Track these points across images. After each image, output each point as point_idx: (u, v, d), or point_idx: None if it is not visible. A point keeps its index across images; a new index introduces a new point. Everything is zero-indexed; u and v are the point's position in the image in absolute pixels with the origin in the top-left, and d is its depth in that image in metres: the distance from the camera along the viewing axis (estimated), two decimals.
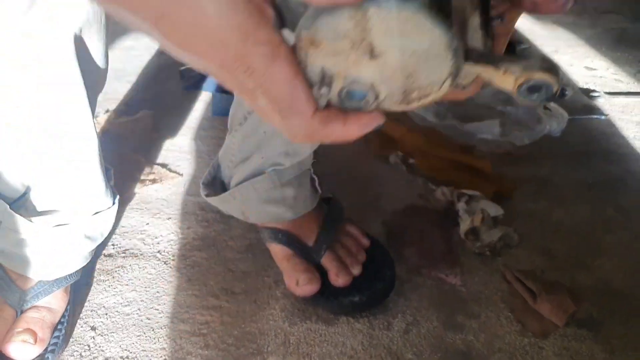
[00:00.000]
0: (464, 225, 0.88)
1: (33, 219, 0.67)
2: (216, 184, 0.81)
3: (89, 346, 0.70)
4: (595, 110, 1.31)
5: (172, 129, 1.18)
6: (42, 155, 0.64)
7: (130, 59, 1.47)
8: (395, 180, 1.03)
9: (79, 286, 0.76)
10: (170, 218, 0.91)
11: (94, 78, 0.65)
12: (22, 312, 0.68)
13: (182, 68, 1.39)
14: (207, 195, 0.80)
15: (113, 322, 0.73)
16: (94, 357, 0.69)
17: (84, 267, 0.75)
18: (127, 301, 0.76)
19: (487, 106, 1.25)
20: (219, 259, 0.83)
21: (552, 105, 1.22)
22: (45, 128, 0.62)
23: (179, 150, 1.10)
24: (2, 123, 0.61)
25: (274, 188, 0.76)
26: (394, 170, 1.06)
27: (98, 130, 0.86)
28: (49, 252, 0.70)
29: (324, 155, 1.09)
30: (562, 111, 1.21)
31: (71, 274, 0.72)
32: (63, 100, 0.62)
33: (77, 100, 0.63)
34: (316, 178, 0.82)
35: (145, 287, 0.78)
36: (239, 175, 0.77)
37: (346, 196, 0.97)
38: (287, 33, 0.31)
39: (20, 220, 0.66)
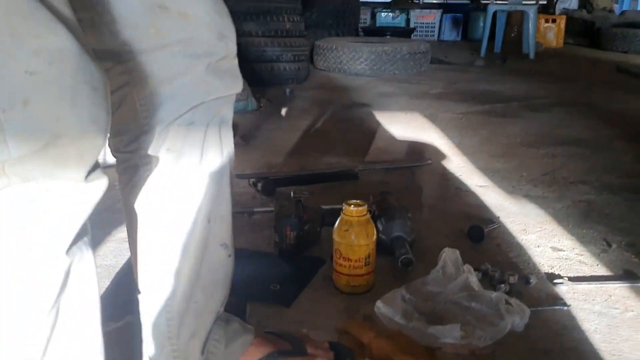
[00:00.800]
0: None
1: None
2: None
3: None
4: (558, 300, 1.38)
5: None
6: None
7: (123, 252, 1.56)
8: None
9: None
10: None
11: None
12: None
13: None
14: None
15: None
16: None
17: None
18: None
19: (453, 302, 1.33)
20: None
21: (514, 300, 1.29)
22: None
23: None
24: None
25: None
26: None
27: None
28: None
29: None
30: (523, 307, 1.28)
31: None
32: None
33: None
34: None
35: None
36: None
37: None
38: None
39: None
